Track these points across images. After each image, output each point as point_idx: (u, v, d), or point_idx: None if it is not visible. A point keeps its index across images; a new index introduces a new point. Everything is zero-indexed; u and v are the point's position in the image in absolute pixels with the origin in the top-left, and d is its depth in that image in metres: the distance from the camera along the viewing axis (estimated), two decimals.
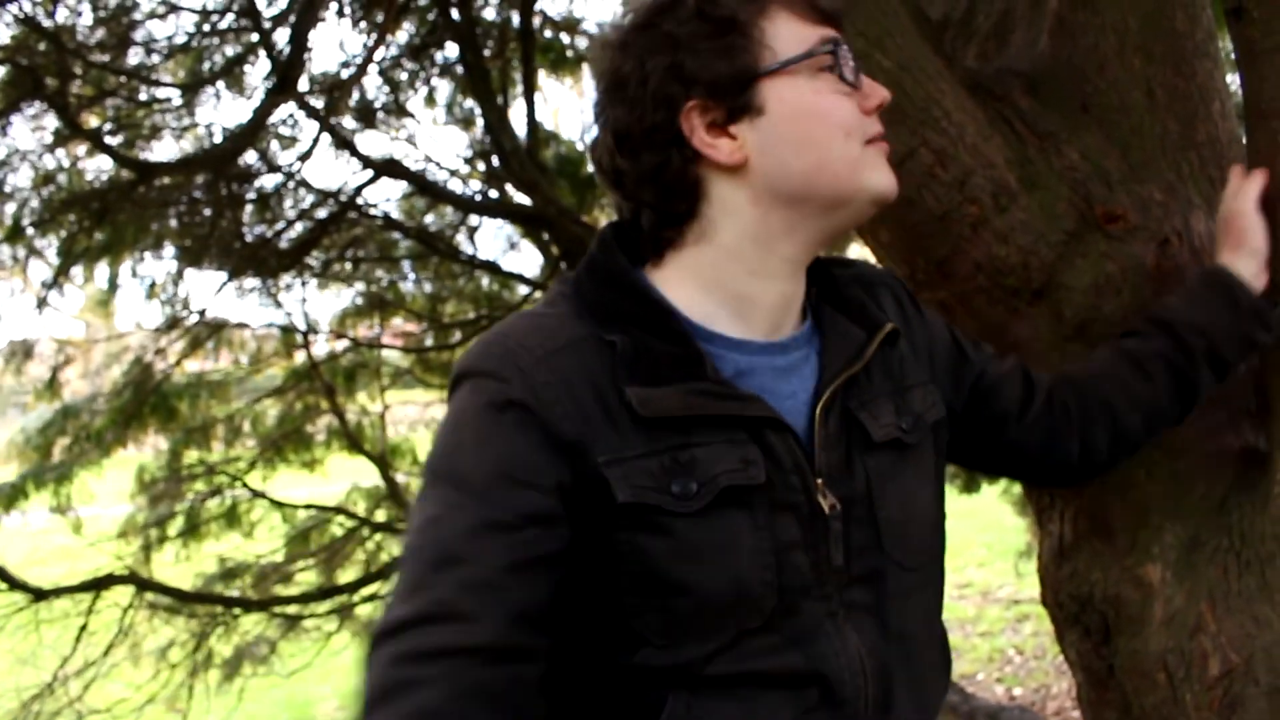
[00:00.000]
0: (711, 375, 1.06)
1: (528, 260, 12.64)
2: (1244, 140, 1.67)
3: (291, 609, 5.64)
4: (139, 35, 5.06)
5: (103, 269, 6.05)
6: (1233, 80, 1.88)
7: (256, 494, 5.73)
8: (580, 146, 6.94)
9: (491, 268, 5.95)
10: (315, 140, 4.92)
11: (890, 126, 1.73)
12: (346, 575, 5.88)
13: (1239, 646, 1.47)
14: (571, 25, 6.47)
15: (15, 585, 4.83)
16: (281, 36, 4.63)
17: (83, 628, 5.01)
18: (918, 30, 1.83)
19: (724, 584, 1.03)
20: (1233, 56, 1.60)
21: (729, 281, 1.12)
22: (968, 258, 1.73)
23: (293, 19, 4.43)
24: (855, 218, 1.15)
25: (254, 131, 4.65)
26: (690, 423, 1.03)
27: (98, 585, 5.05)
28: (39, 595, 4.91)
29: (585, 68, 6.61)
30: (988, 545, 9.82)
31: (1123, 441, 1.44)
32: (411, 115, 5.78)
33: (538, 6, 5.99)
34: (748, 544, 1.04)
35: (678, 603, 1.03)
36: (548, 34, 6.33)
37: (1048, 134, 1.77)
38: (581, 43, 6.48)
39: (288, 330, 5.88)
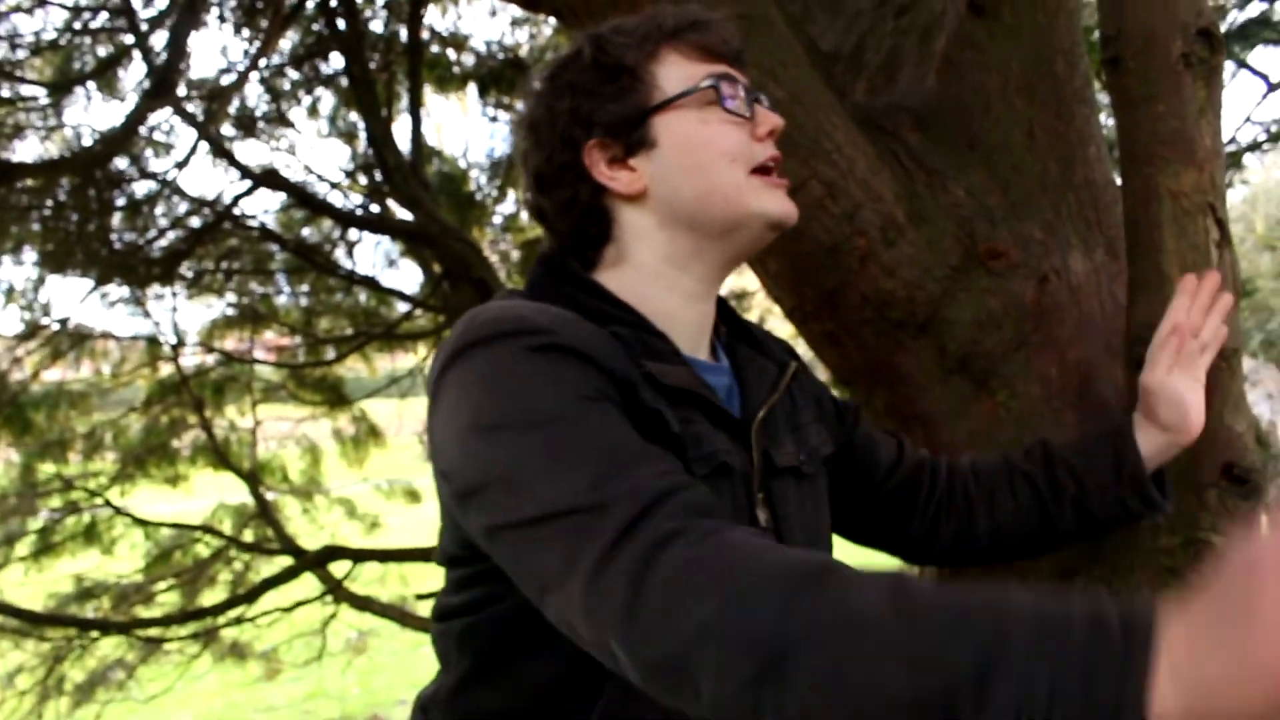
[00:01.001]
0: (695, 372, 1.14)
1: (406, 277, 12.46)
2: (1118, 184, 1.74)
3: (152, 631, 5.41)
4: (2, 29, 4.85)
5: None
6: (1107, 125, 1.96)
7: (117, 510, 5.49)
8: (463, 164, 6.89)
9: (370, 283, 5.84)
10: (193, 148, 4.76)
11: (783, 157, 1.78)
12: (211, 597, 5.67)
13: None
14: (459, 42, 6.42)
15: None
16: (159, 40, 4.48)
17: None
18: (810, 62, 1.86)
19: None
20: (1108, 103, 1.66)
21: (651, 297, 1.18)
22: (855, 290, 1.76)
23: (171, 22, 4.28)
24: (753, 240, 1.20)
25: (126, 136, 4.48)
26: (694, 401, 1.10)
27: None
28: None
29: (470, 85, 6.56)
30: None
31: (967, 543, 1.46)
32: (293, 126, 5.64)
33: (425, 21, 5.92)
34: (733, 517, 1.09)
35: None
36: (434, 49, 6.27)
37: (935, 170, 1.81)
38: (468, 59, 6.44)
39: (154, 341, 5.66)
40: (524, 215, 7.18)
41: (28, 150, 5.30)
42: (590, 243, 1.21)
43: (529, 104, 1.24)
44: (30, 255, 5.36)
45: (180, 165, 5.00)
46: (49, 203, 4.95)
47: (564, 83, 1.20)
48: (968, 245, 1.75)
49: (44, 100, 5.07)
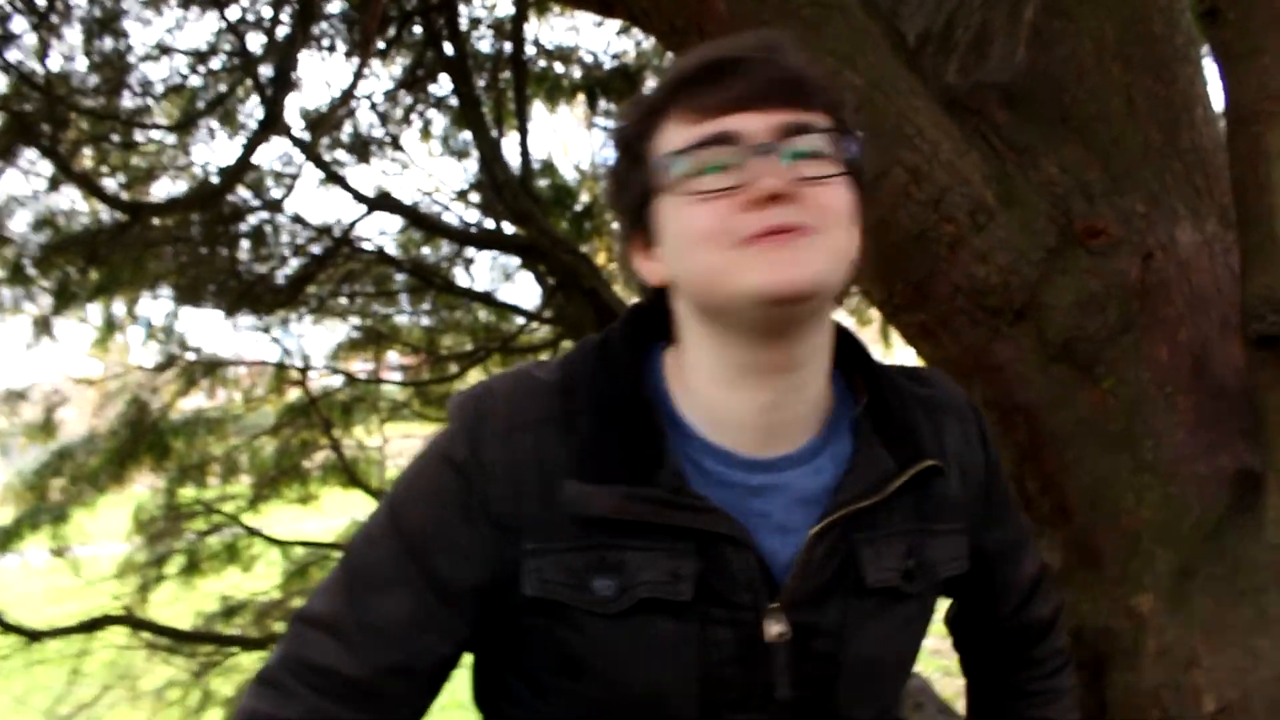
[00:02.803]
0: (666, 481, 1.01)
1: (525, 291, 12.62)
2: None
3: None
4: (132, 78, 5.07)
5: (105, 309, 6.06)
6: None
7: (251, 531, 5.67)
8: (579, 175, 6.91)
9: (488, 299, 5.90)
10: (297, 174, 4.90)
11: (871, 147, 1.70)
12: None
13: (1234, 682, 1.39)
14: (565, 55, 6.45)
15: (9, 628, 4.78)
16: (268, 72, 4.62)
17: (75, 670, 4.95)
18: (889, 47, 1.77)
19: (639, 685, 1.02)
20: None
21: (697, 389, 1.06)
22: (946, 279, 1.67)
23: (277, 54, 4.41)
24: (754, 321, 1.00)
25: (242, 168, 4.62)
26: (629, 527, 1.00)
27: (93, 626, 5.00)
28: (33, 637, 4.86)
29: (580, 97, 6.59)
30: None
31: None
32: (403, 149, 5.75)
33: (532, 36, 5.98)
34: (670, 655, 1.01)
35: (590, 691, 1.04)
36: (541, 64, 6.31)
37: (1025, 148, 1.72)
38: (576, 72, 6.47)
39: (283, 366, 5.84)
40: None
41: (161, 189, 5.55)
42: (665, 317, 1.11)
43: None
44: (165, 290, 5.60)
45: (287, 194, 5.14)
46: (179, 238, 5.16)
47: (607, 167, 1.14)
48: (1063, 224, 1.65)
49: (172, 141, 5.28)
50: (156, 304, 5.95)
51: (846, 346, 1.12)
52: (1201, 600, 1.45)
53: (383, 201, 5.19)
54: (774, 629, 1.02)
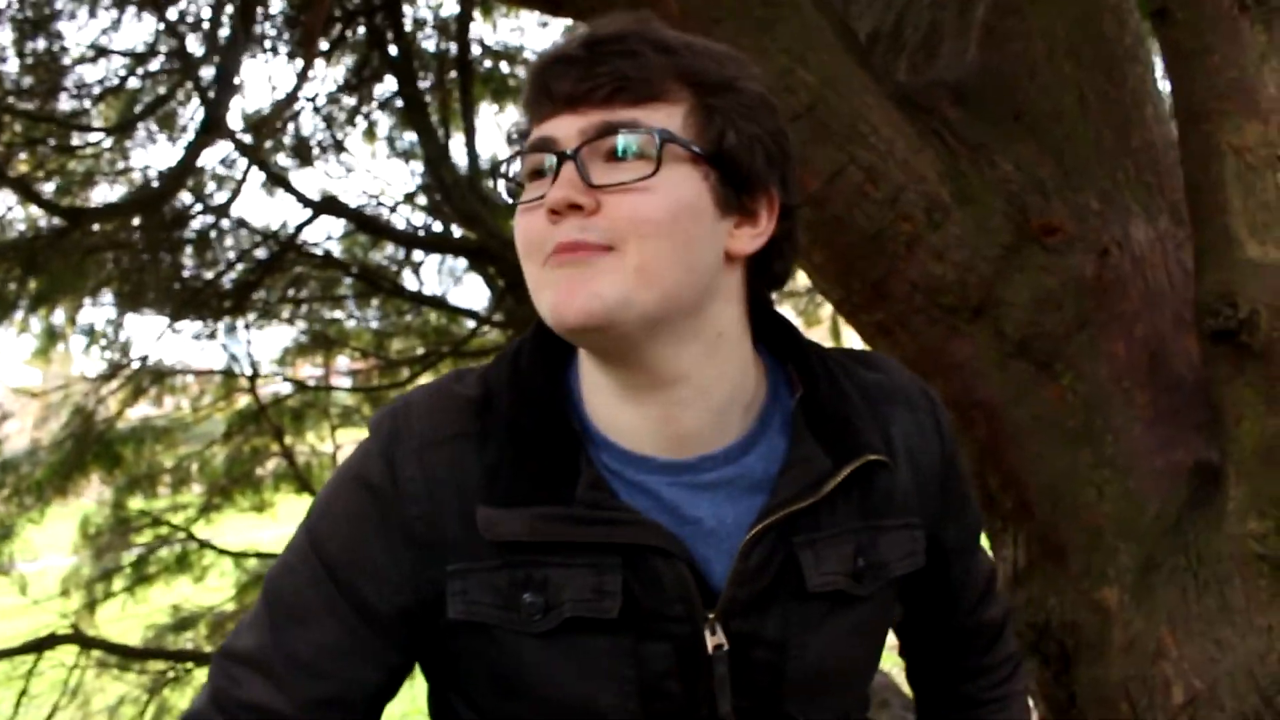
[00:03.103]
0: (582, 497, 0.95)
1: (474, 293, 12.54)
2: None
3: None
4: (68, 80, 4.96)
5: (45, 318, 5.93)
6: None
7: (202, 544, 5.58)
8: None
9: (437, 303, 5.85)
10: (242, 177, 4.82)
11: (816, 144, 1.69)
12: None
13: (1202, 672, 1.41)
14: (511, 55, 6.42)
15: None
16: (209, 74, 4.53)
17: (23, 691, 4.83)
18: (842, 46, 1.77)
19: (576, 703, 0.98)
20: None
21: (594, 399, 1.01)
22: (903, 277, 1.67)
23: (218, 56, 4.33)
24: (586, 345, 0.96)
25: (185, 172, 4.54)
26: (547, 546, 0.95)
27: (40, 646, 4.88)
28: None
29: None
30: None
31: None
32: (349, 151, 5.69)
33: (475, 36, 5.93)
34: (605, 668, 0.97)
35: (528, 710, 1.00)
36: (487, 64, 6.27)
37: (979, 145, 1.72)
38: (521, 71, 6.43)
39: (231, 373, 5.75)
40: None
41: (99, 195, 5.43)
42: None
43: None
44: (107, 296, 5.48)
45: (233, 198, 5.06)
46: (121, 244, 5.05)
47: None
48: (1019, 222, 1.65)
49: (108, 144, 5.17)
50: (98, 311, 5.83)
51: (781, 335, 1.06)
52: (1166, 592, 1.46)
53: (329, 205, 5.12)
54: (712, 640, 0.97)
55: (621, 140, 0.90)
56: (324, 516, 1.03)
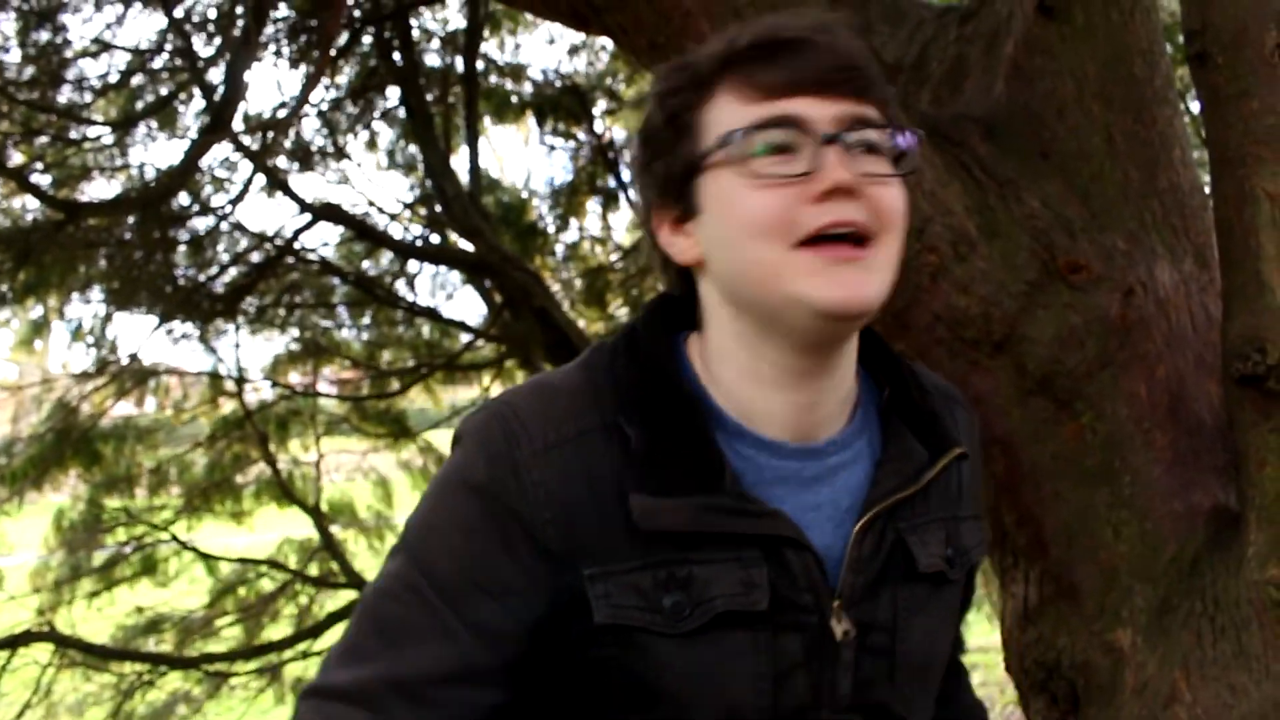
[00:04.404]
0: (729, 488, 0.96)
1: (466, 307, 12.53)
2: (1206, 189, 1.64)
3: (218, 666, 5.41)
4: (70, 73, 4.93)
5: (32, 311, 5.88)
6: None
7: (185, 545, 5.50)
8: (524, 194, 6.88)
9: (431, 314, 5.83)
10: (248, 181, 4.80)
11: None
12: (275, 632, 5.66)
13: (1215, 717, 1.40)
14: (516, 71, 6.43)
15: None
16: (216, 75, 4.52)
17: None
18: None
19: (717, 707, 0.96)
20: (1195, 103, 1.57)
21: (729, 383, 1.01)
22: (926, 308, 1.67)
23: (227, 58, 4.31)
24: (806, 331, 0.95)
25: (186, 172, 4.52)
26: (695, 539, 0.94)
27: (14, 643, 4.80)
28: None
29: (530, 115, 6.57)
30: None
31: None
32: (350, 159, 5.68)
33: (482, 51, 5.93)
34: (746, 667, 0.96)
35: (665, 716, 0.96)
36: (492, 79, 6.28)
37: (1007, 181, 1.72)
38: (526, 89, 6.44)
39: (218, 376, 5.70)
40: (586, 244, 7.17)
41: (96, 190, 5.39)
42: (690, 303, 1.05)
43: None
44: (97, 293, 5.44)
45: (237, 199, 5.03)
46: (114, 240, 5.01)
47: (641, 131, 1.04)
48: (1045, 258, 1.65)
49: (108, 140, 5.14)
50: (86, 308, 5.78)
51: (864, 337, 1.08)
52: (1181, 635, 1.46)
53: (329, 212, 5.10)
54: (840, 628, 0.98)
55: (870, 135, 0.94)
56: (431, 534, 0.98)
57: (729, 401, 1.00)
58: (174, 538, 5.49)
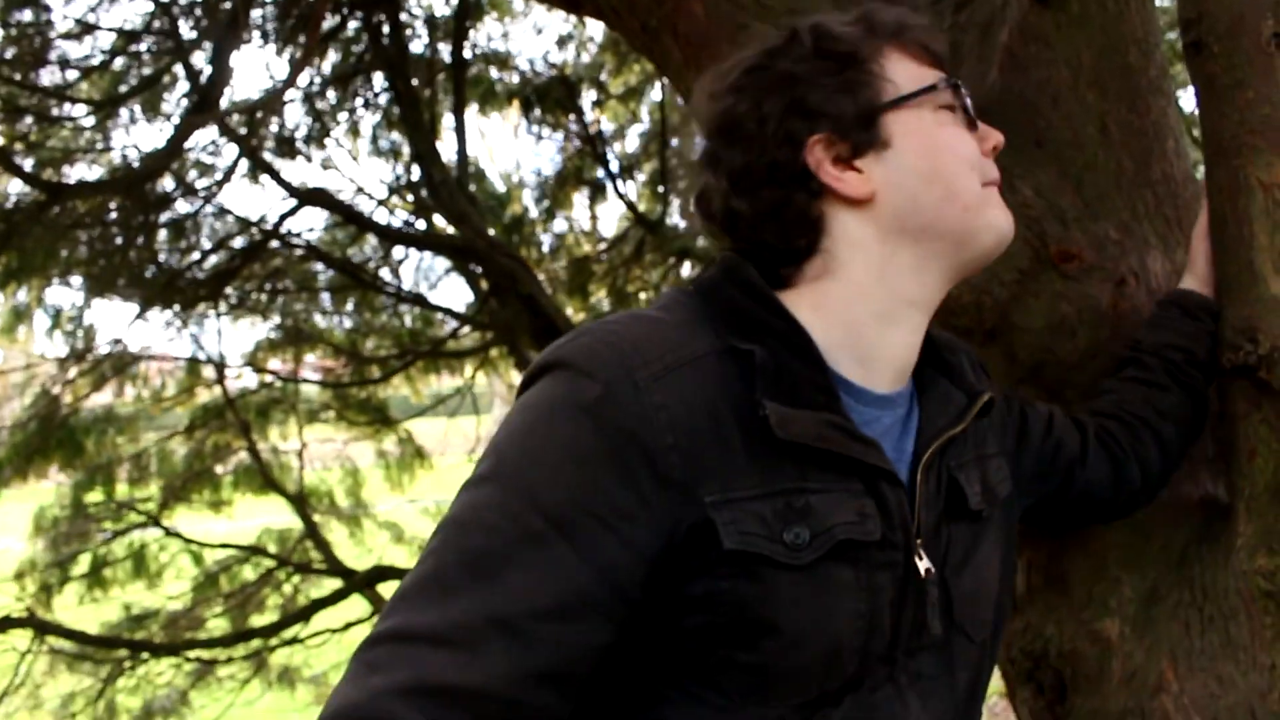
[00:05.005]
0: (843, 411, 1.00)
1: (452, 296, 12.50)
2: (1199, 178, 1.63)
3: (203, 655, 5.38)
4: (53, 55, 4.89)
5: (13, 296, 5.82)
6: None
7: (170, 533, 5.45)
8: (504, 185, 6.86)
9: (418, 300, 5.80)
10: (233, 165, 4.76)
11: None
12: (260, 621, 5.63)
13: (1202, 707, 1.40)
14: (503, 60, 6.40)
15: None
16: (201, 58, 4.48)
17: None
18: None
19: (822, 644, 0.95)
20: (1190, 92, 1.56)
21: (853, 324, 1.05)
22: None
23: (212, 40, 4.27)
24: (977, 257, 1.12)
25: (171, 154, 4.47)
26: (815, 460, 0.96)
27: None
28: None
29: (515, 104, 6.54)
30: None
31: (1169, 452, 1.43)
32: (337, 143, 5.64)
33: (469, 39, 5.91)
34: (849, 604, 0.97)
35: (771, 655, 0.94)
36: (479, 68, 6.26)
37: (1000, 169, 1.70)
38: (512, 78, 6.42)
39: (197, 363, 5.66)
40: (572, 235, 7.14)
41: (77, 173, 5.34)
42: (792, 255, 1.08)
43: (720, 101, 1.10)
44: (77, 279, 5.39)
45: (222, 184, 4.99)
46: (96, 224, 4.97)
47: (778, 73, 1.08)
48: (1037, 247, 1.65)
49: (91, 122, 5.09)
50: (67, 293, 5.73)
51: None
52: (1169, 626, 1.45)
53: (315, 196, 5.07)
54: (923, 565, 1.02)
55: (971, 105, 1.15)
56: (532, 461, 0.91)
57: (833, 345, 1.04)
58: (160, 525, 5.43)
